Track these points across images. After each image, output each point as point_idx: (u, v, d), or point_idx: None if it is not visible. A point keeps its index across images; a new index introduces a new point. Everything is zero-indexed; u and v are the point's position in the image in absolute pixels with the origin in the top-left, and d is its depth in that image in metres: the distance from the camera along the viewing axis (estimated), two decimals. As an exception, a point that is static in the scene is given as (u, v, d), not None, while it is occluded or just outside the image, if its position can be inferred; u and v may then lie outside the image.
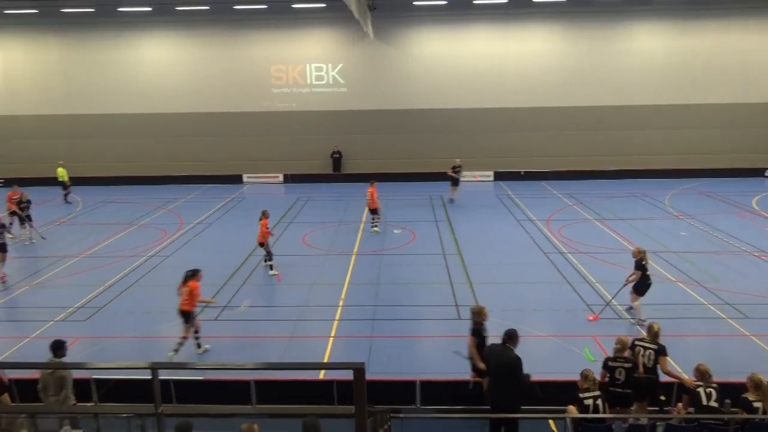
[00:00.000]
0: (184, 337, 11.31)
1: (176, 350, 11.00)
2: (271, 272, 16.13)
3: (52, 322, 13.12)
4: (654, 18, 28.89)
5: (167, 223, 22.20)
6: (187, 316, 11.41)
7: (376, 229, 20.34)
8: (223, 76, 30.13)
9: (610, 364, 8.34)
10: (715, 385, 7.56)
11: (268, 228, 16.22)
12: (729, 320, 12.65)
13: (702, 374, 7.69)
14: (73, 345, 12.00)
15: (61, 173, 26.57)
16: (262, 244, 16.27)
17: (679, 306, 13.45)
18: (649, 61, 29.28)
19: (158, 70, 30.16)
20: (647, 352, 8.44)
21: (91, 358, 10.79)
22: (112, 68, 30.14)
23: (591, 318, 12.83)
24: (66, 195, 26.49)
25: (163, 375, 8.89)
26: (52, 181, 27.60)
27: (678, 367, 9.53)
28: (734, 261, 16.71)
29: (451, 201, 24.88)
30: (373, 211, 20.46)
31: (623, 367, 8.26)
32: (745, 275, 15.50)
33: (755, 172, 29.59)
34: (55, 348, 8.18)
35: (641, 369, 8.42)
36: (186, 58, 30.18)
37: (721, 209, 23.06)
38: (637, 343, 8.55)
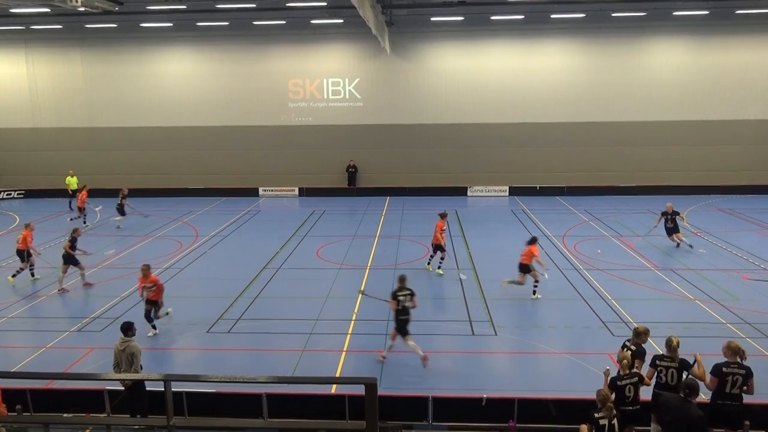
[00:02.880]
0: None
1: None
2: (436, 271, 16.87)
3: (67, 333, 13.25)
4: (673, 33, 28.76)
5: (183, 236, 22.40)
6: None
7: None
8: (241, 90, 30.52)
9: (618, 383, 8.10)
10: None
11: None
12: (748, 339, 12.39)
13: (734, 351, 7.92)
14: (88, 355, 12.13)
15: (70, 181, 27.08)
16: (438, 246, 16.74)
17: (697, 324, 13.22)
18: (668, 77, 29.10)
19: (178, 84, 30.66)
20: (670, 371, 8.18)
21: (106, 369, 10.85)
22: (134, 82, 30.69)
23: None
24: (71, 203, 26.90)
25: (176, 387, 8.94)
26: (69, 193, 28.00)
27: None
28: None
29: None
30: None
31: (632, 383, 8.10)
32: (764, 294, 15.20)
33: (776, 189, 29.17)
34: (126, 329, 9.21)
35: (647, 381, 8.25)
36: (205, 72, 30.64)
37: (740, 226, 22.71)
38: (658, 363, 8.24)
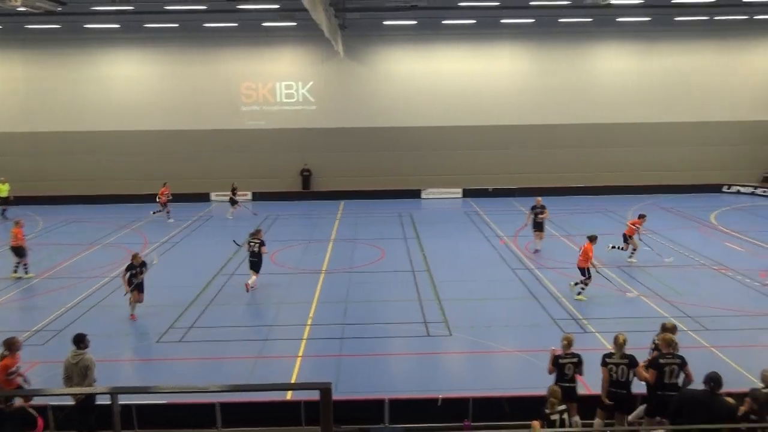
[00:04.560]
0: None
1: None
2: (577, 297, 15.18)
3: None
4: (618, 39, 29.81)
5: (131, 243, 21.74)
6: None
7: (580, 297, 15.24)
8: (192, 93, 29.90)
9: (561, 361, 8.67)
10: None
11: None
12: (690, 333, 12.92)
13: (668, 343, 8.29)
14: (31, 369, 11.62)
15: (2, 189, 25.99)
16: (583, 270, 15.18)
17: (643, 320, 13.69)
18: (613, 81, 30.12)
19: (125, 87, 29.78)
20: (620, 368, 8.41)
21: (50, 384, 10.43)
22: (78, 86, 29.64)
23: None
24: (4, 212, 25.89)
25: (124, 400, 8.69)
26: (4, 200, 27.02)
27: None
28: (695, 274, 17.15)
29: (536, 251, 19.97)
30: (583, 271, 15.30)
31: (572, 363, 8.64)
32: (704, 288, 15.92)
33: (714, 188, 30.54)
34: (78, 341, 8.77)
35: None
36: (154, 75, 29.89)
37: (681, 224, 23.69)
38: (608, 361, 8.47)
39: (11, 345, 8.71)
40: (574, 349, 8.87)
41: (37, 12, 22.12)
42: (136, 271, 13.97)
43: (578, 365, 8.68)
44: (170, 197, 25.49)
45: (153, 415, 9.16)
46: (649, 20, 28.36)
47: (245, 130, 30.34)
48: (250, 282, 15.82)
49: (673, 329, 8.94)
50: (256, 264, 15.95)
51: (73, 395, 8.64)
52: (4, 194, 25.99)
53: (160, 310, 14.82)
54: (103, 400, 8.86)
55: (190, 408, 9.33)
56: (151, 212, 25.67)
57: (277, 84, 30.11)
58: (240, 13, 26.60)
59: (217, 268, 18.32)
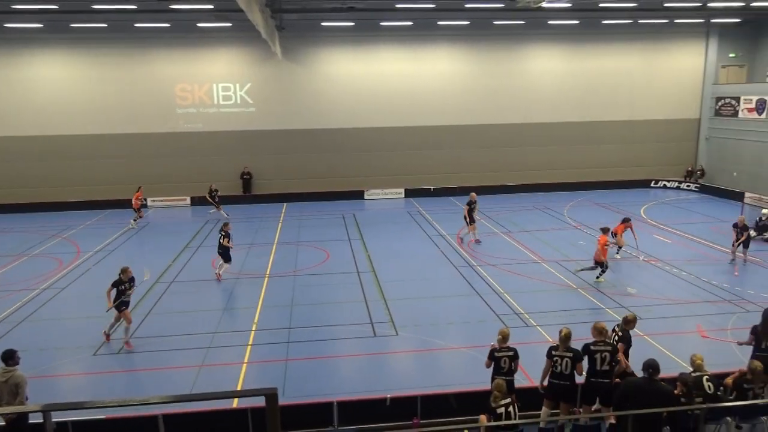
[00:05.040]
0: None
1: None
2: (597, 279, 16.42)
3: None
4: (550, 41, 30.81)
5: (63, 252, 20.77)
6: None
7: (600, 279, 16.50)
8: (124, 95, 28.79)
9: (496, 354, 8.81)
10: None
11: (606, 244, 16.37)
12: (625, 322, 13.52)
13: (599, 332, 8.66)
14: (-46, 391, 10.90)
15: None
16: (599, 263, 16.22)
17: (581, 312, 14.22)
18: (546, 82, 31.14)
19: (52, 89, 28.35)
20: (565, 360, 8.66)
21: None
22: (0, 88, 28.02)
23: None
24: None
25: (59, 417, 8.28)
26: None
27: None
28: (628, 266, 17.95)
29: (477, 241, 21.07)
30: (599, 264, 16.40)
31: (508, 356, 8.82)
32: (637, 279, 16.68)
33: (642, 183, 32.12)
34: (7, 357, 8.25)
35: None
36: (82, 77, 28.59)
37: (613, 218, 24.66)
38: (554, 353, 8.70)
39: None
40: (516, 343, 9.10)
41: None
42: (124, 287, 12.71)
43: (514, 359, 8.82)
44: (144, 201, 25.22)
45: (92, 431, 8.76)
46: (578, 23, 29.50)
47: (182, 133, 29.50)
48: (219, 271, 17.11)
49: (634, 320, 9.38)
50: (222, 254, 17.14)
51: (3, 415, 8.16)
52: None
53: (97, 321, 14.20)
54: (36, 419, 8.41)
55: (131, 422, 8.98)
56: (131, 220, 24.77)
57: (214, 86, 29.44)
58: (172, 13, 25.85)
59: (155, 276, 17.73)
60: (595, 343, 8.65)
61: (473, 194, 21.29)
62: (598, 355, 8.56)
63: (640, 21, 29.84)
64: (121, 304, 12.62)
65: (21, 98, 28.16)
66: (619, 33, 30.83)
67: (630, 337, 9.31)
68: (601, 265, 16.30)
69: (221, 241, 17.11)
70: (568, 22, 29.43)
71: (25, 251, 21.05)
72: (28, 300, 15.82)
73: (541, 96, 31.16)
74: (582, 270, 16.74)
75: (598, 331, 8.73)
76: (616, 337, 9.26)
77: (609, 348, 8.60)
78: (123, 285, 12.71)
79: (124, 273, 12.94)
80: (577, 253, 19.33)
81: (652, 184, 32.28)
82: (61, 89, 28.41)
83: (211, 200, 26.65)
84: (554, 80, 31.16)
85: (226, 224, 17.64)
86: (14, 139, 28.32)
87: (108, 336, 12.91)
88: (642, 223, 23.88)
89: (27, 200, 28.23)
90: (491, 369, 8.87)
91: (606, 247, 16.31)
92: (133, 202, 24.96)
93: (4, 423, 8.34)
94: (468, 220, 20.88)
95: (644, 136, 32.11)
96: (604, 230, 16.70)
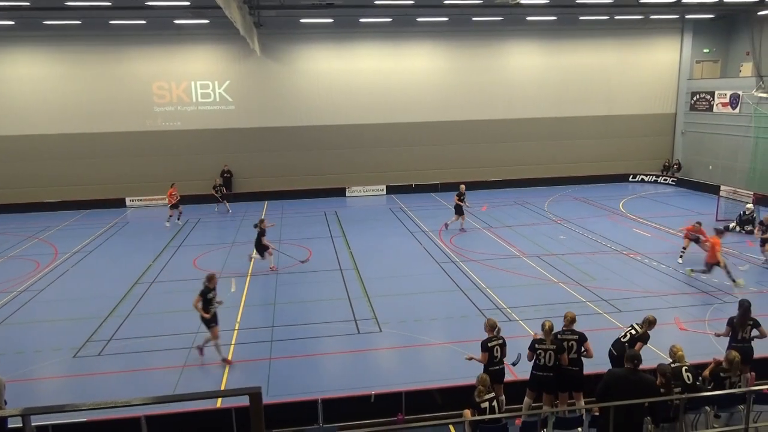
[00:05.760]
0: None
1: None
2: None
3: None
4: (528, 37, 30.99)
5: (40, 254, 20.43)
6: None
7: (690, 270, 16.50)
8: (100, 94, 28.32)
9: (489, 344, 9.01)
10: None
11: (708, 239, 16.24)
12: (605, 315, 13.73)
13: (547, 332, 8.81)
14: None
15: None
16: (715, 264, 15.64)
17: (561, 305, 14.36)
18: (524, 78, 31.34)
19: (26, 88, 27.77)
20: (548, 353, 8.82)
21: (-48, 410, 9.63)
22: (-31, 87, 27.43)
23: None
24: None
25: (39, 420, 8.15)
26: None
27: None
28: (607, 260, 18.19)
29: (462, 230, 22.01)
30: (710, 266, 15.87)
31: (498, 345, 9.04)
32: (616, 273, 16.91)
33: (621, 178, 32.55)
34: None
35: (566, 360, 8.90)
36: (57, 75, 28.06)
37: (593, 213, 25.04)
38: (537, 346, 8.85)
39: None
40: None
41: None
42: (212, 296, 11.80)
43: (504, 346, 9.12)
44: (178, 198, 24.77)
45: (72, 434, 8.66)
46: (555, 19, 29.75)
47: (160, 131, 29.15)
48: (253, 254, 17.95)
49: (654, 322, 9.39)
50: (256, 245, 17.83)
51: (-19, 421, 8.01)
52: None
53: (76, 323, 14.02)
54: (15, 423, 8.28)
55: (113, 424, 8.91)
56: (166, 222, 24.43)
57: (192, 83, 29.12)
58: (148, 9, 25.47)
59: (135, 276, 17.53)
60: (563, 332, 8.98)
61: (462, 186, 22.24)
62: (565, 344, 8.86)
63: (616, 17, 30.18)
64: (211, 319, 11.69)
65: (-7, 97, 27.57)
66: (596, 29, 31.16)
67: (649, 336, 9.37)
68: (714, 266, 15.71)
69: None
70: (545, 18, 29.67)
71: (0, 253, 20.65)
72: (5, 302, 15.54)
73: (520, 92, 31.37)
74: (696, 271, 16.23)
75: (568, 320, 9.06)
76: (632, 333, 9.40)
77: (575, 337, 8.89)
78: (211, 293, 11.78)
79: (210, 281, 11.88)
80: (558, 247, 19.53)
81: (630, 179, 32.73)
82: (35, 88, 27.85)
83: (216, 193, 27.30)
84: (533, 76, 31.39)
85: (262, 220, 18.19)
86: (-13, 139, 27.74)
87: (201, 350, 12.00)
88: (620, 216, 24.21)
89: (2, 201, 27.69)
90: (482, 363, 9.02)
91: (718, 249, 15.58)
92: (167, 200, 24.87)
93: (-18, 428, 8.20)
94: (457, 210, 21.79)
95: (622, 130, 32.52)
96: (719, 232, 16.29)
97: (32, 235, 23.20)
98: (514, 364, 9.30)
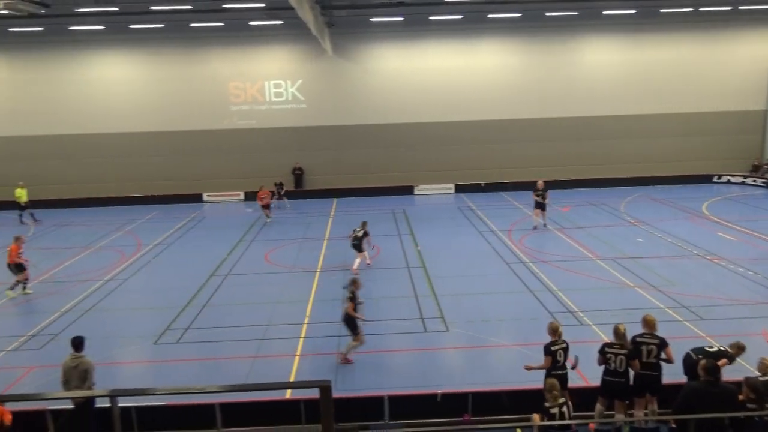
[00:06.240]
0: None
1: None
2: None
3: (4, 352, 12.58)
4: (604, 32, 29.91)
5: (125, 245, 21.65)
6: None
7: None
8: (180, 94, 29.73)
9: (553, 348, 8.76)
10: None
11: None
12: (685, 322, 13.05)
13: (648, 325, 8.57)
14: (27, 375, 11.57)
15: (19, 193, 25.71)
16: None
17: (638, 310, 13.74)
18: (602, 73, 30.25)
19: (114, 89, 29.56)
20: (619, 358, 8.53)
21: (47, 388, 10.39)
22: (65, 88, 29.40)
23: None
24: (21, 216, 25.67)
25: (124, 402, 8.64)
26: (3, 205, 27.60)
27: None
28: (688, 264, 17.28)
29: (544, 226, 22.02)
30: None
31: (562, 348, 8.79)
32: (698, 278, 16.03)
33: (704, 178, 30.79)
34: (76, 344, 8.81)
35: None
36: (142, 76, 29.68)
37: (673, 215, 23.85)
38: (608, 350, 8.58)
39: None
40: (569, 342, 8.96)
41: (21, 15, 21.88)
42: (360, 301, 11.78)
43: (566, 351, 8.89)
44: (270, 198, 25.43)
45: (152, 416, 9.12)
46: (635, 12, 28.49)
47: (235, 129, 30.23)
48: (354, 266, 17.40)
49: (743, 349, 8.72)
50: (356, 246, 17.74)
51: (73, 399, 8.60)
52: (24, 199, 25.75)
53: (157, 312, 14.78)
54: (102, 403, 8.81)
55: (189, 409, 9.30)
56: (267, 220, 24.90)
57: (266, 83, 30.00)
58: (226, 12, 26.43)
59: (211, 269, 18.26)
60: (642, 335, 8.62)
61: (540, 182, 21.86)
62: (644, 347, 8.49)
63: (701, 9, 28.58)
64: (357, 324, 11.59)
65: (85, 97, 29.47)
66: (679, 22, 29.61)
67: (735, 360, 8.83)
68: None
69: (359, 235, 17.67)
70: (624, 12, 28.46)
71: (89, 244, 22.03)
72: (94, 290, 16.57)
73: (595, 89, 30.30)
74: None
75: (647, 323, 8.68)
76: (722, 348, 8.84)
77: (656, 341, 8.50)
78: (359, 298, 11.77)
79: (355, 284, 11.82)
80: (635, 250, 18.74)
81: (714, 179, 30.91)
82: (121, 89, 29.56)
83: (276, 191, 27.91)
84: (610, 72, 30.24)
85: (365, 222, 18.13)
86: (79, 136, 29.68)
87: (346, 357, 11.76)
88: (704, 219, 22.95)
89: (91, 195, 29.55)
90: (544, 368, 8.80)
91: None
92: (259, 201, 25.16)
93: (73, 406, 8.78)
94: (539, 206, 21.72)
95: (706, 128, 30.77)
96: None
97: (118, 227, 24.62)
98: (572, 368, 9.01)
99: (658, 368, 8.59)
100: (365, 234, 17.75)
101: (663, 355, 8.54)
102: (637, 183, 30.22)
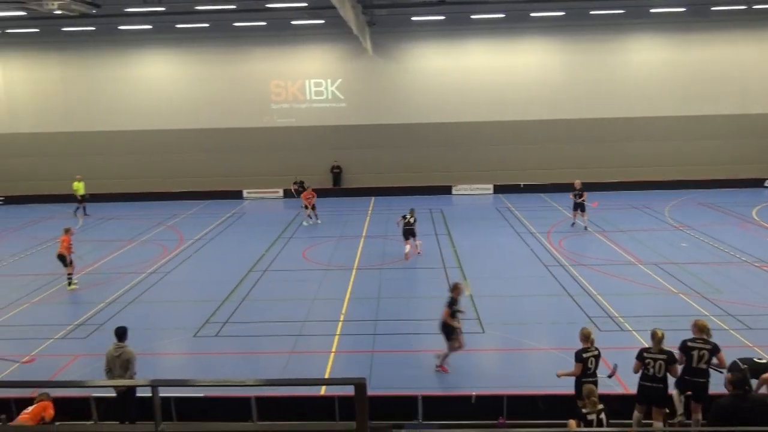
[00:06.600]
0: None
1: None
2: None
3: (52, 340, 13.07)
4: (651, 30, 29.12)
5: (167, 239, 22.20)
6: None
7: None
8: (222, 92, 30.31)
9: (584, 355, 8.61)
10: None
11: None
12: (731, 331, 12.59)
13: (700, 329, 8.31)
14: (73, 363, 11.98)
15: (77, 186, 26.72)
16: None
17: (682, 318, 13.36)
18: (647, 73, 29.45)
19: (158, 87, 30.36)
20: (658, 363, 8.32)
21: (91, 376, 10.75)
22: (113, 86, 30.33)
23: None
24: (77, 209, 26.76)
25: (164, 392, 8.86)
26: (50, 198, 29.24)
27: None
28: (736, 272, 16.66)
29: (585, 228, 21.83)
30: None
31: (593, 356, 8.59)
32: (746, 286, 15.44)
33: (755, 183, 29.60)
34: (120, 334, 9.12)
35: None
36: (186, 74, 30.39)
37: (721, 220, 23.05)
38: (646, 355, 8.36)
39: None
40: (610, 347, 8.77)
41: (73, 15, 22.62)
42: (458, 307, 11.18)
43: (598, 358, 8.71)
44: (312, 200, 24.30)
45: (191, 407, 9.31)
46: (685, 10, 27.59)
47: (276, 127, 30.63)
48: (406, 250, 18.62)
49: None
50: (410, 231, 18.85)
51: (115, 387, 8.86)
52: (81, 192, 26.79)
53: (197, 305, 15.10)
54: (142, 392, 9.06)
55: (226, 401, 9.47)
56: (317, 221, 24.29)
57: (306, 82, 30.30)
58: (268, 12, 26.75)
59: (250, 264, 18.55)
60: (693, 340, 8.36)
61: (577, 182, 21.94)
62: (695, 352, 8.24)
63: (755, 6, 27.50)
64: (453, 331, 11.07)
65: (132, 95, 30.34)
66: (731, 20, 28.58)
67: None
68: None
69: (411, 220, 18.89)
70: (673, 9, 27.61)
71: (133, 237, 22.67)
72: (137, 283, 17.04)
73: (641, 89, 29.51)
74: None
75: (699, 328, 8.42)
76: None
77: (708, 347, 8.22)
78: (457, 304, 11.19)
79: (456, 290, 11.28)
80: (679, 255, 18.19)
81: (766, 184, 29.72)
82: (167, 87, 30.34)
83: (294, 190, 27.86)
84: (656, 72, 29.40)
85: (413, 210, 19.26)
86: (125, 133, 30.58)
87: (444, 366, 11.30)
88: (754, 225, 22.11)
89: (135, 190, 30.39)
90: (575, 375, 8.67)
91: None
92: (305, 201, 24.43)
93: (115, 394, 9.05)
94: (573, 207, 22.00)
95: (759, 130, 29.58)
96: None
97: (161, 222, 25.26)
98: (609, 377, 8.79)
99: (707, 375, 8.33)
100: (415, 220, 18.79)
101: (714, 361, 8.26)
102: (682, 186, 29.31)
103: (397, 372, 11.31)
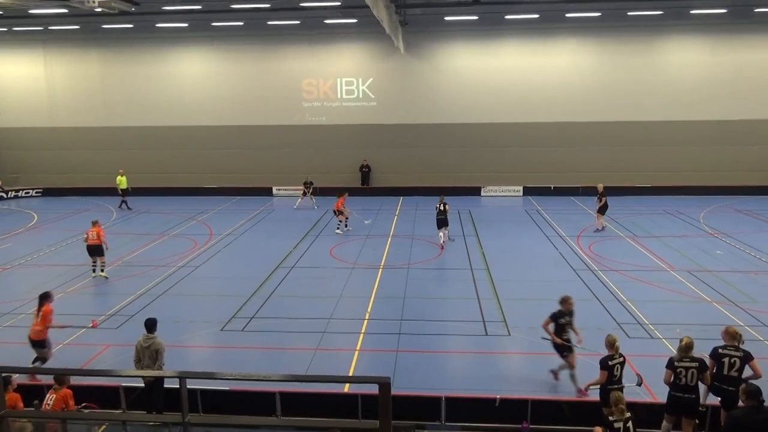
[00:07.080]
0: None
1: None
2: None
3: (84, 329, 13.38)
4: (689, 32, 28.44)
5: (198, 234, 22.56)
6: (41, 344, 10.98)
7: None
8: (255, 89, 30.69)
9: (610, 363, 8.51)
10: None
11: None
12: (767, 342, 12.24)
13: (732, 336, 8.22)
14: (104, 352, 12.27)
15: (120, 180, 27.45)
16: None
17: (715, 327, 13.02)
18: (684, 76, 28.79)
19: (193, 84, 30.89)
20: (690, 371, 8.15)
21: (121, 366, 10.98)
22: (150, 82, 30.98)
23: None
24: (121, 203, 27.53)
25: (190, 384, 9.02)
26: (87, 191, 30.15)
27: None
28: (772, 281, 16.18)
29: (602, 228, 21.97)
30: None
31: (619, 363, 8.51)
32: (783, 296, 14.99)
33: (796, 190, 28.73)
34: (150, 325, 9.36)
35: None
36: (220, 72, 30.84)
37: (758, 227, 22.40)
38: (677, 364, 8.19)
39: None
40: (640, 355, 8.62)
41: (113, 12, 23.17)
42: (564, 320, 10.35)
43: (623, 365, 8.62)
44: (345, 208, 22.41)
45: (217, 400, 9.47)
46: (726, 12, 26.86)
47: (306, 126, 30.86)
48: (441, 240, 19.73)
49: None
50: (442, 221, 19.75)
51: (144, 377, 9.05)
52: (124, 186, 27.51)
53: (225, 299, 15.32)
54: (170, 383, 9.23)
55: (251, 395, 9.60)
56: (348, 228, 22.73)
57: (338, 80, 30.45)
58: (302, 10, 26.99)
59: (277, 260, 18.73)
60: (724, 347, 8.23)
61: (600, 185, 22.07)
62: (726, 359, 8.10)
63: (801, 8, 26.66)
64: (564, 347, 10.33)
65: (167, 92, 30.94)
66: (773, 22, 27.77)
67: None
68: None
69: (442, 207, 19.87)
70: (714, 11, 26.90)
71: (165, 231, 23.10)
72: (167, 276, 17.37)
73: (677, 92, 28.86)
74: None
75: (730, 335, 8.30)
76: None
77: (740, 354, 8.08)
78: (564, 317, 10.40)
79: (565, 303, 10.43)
80: (714, 263, 17.74)
81: (807, 191, 28.79)
82: (202, 84, 30.84)
83: (304, 189, 27.60)
84: (695, 75, 28.72)
85: (443, 196, 20.23)
86: (161, 128, 31.22)
87: (556, 374, 10.75)
88: (792, 234, 21.42)
89: (168, 185, 30.99)
90: (600, 383, 8.55)
91: None
92: (339, 208, 22.46)
93: (143, 384, 9.25)
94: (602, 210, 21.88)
95: (800, 136, 28.69)
96: None
97: (192, 217, 25.68)
98: (638, 385, 8.62)
99: (738, 383, 8.02)
100: (447, 209, 19.76)
101: (747, 370, 8.06)
102: (719, 192, 28.57)
103: (421, 372, 11.29)
